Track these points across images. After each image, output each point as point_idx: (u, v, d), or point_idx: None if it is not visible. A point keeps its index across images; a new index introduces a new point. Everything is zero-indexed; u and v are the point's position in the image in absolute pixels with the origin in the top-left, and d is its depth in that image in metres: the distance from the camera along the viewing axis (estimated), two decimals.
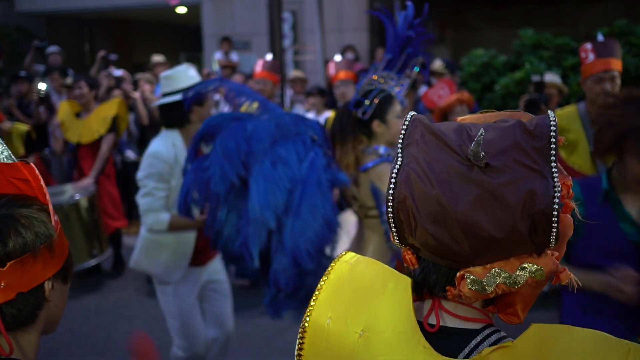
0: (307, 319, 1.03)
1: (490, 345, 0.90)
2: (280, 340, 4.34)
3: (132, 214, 6.51)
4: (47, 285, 1.09)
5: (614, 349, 0.83)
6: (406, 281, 0.98)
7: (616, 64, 3.33)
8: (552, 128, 0.87)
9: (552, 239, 0.84)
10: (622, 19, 6.30)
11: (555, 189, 0.84)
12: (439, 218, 0.87)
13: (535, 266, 0.85)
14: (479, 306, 0.94)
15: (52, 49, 8.21)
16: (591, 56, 3.36)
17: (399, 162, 0.94)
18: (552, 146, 0.86)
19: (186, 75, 3.17)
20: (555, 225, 0.83)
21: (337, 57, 5.10)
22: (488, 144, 0.88)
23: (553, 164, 0.86)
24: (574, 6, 8.76)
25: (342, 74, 4.56)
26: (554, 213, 0.83)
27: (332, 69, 4.72)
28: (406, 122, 0.98)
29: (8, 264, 1.01)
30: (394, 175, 0.93)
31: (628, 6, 8.61)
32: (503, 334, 0.94)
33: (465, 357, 0.91)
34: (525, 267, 0.86)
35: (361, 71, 7.38)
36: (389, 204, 0.93)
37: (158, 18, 15.49)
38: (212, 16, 11.72)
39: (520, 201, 0.83)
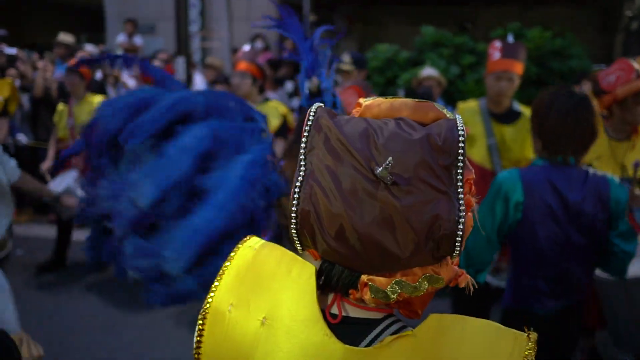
0: (208, 305, 1.00)
1: (392, 334, 0.91)
2: (179, 331, 4.30)
3: (22, 202, 6.19)
4: None
5: (502, 336, 0.88)
6: (310, 269, 0.95)
7: (517, 67, 3.55)
8: (460, 145, 0.85)
9: (456, 254, 0.86)
10: (516, 22, 6.69)
11: (461, 211, 0.84)
12: (343, 235, 0.86)
13: (436, 276, 0.88)
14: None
15: None
16: (497, 54, 3.56)
17: (302, 172, 0.90)
18: (459, 164, 0.85)
19: None
20: (459, 244, 0.84)
21: (246, 47, 5.04)
22: (395, 159, 0.85)
23: (459, 183, 0.85)
24: (473, 8, 9.18)
25: (243, 65, 4.51)
26: (457, 236, 0.84)
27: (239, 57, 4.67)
28: (308, 123, 0.92)
29: None
30: (297, 189, 0.89)
31: (522, 11, 9.15)
32: (403, 323, 0.96)
33: (366, 346, 0.92)
34: (426, 277, 0.87)
35: (271, 60, 7.39)
36: (292, 219, 0.90)
37: None
38: None
39: (425, 226, 0.83)
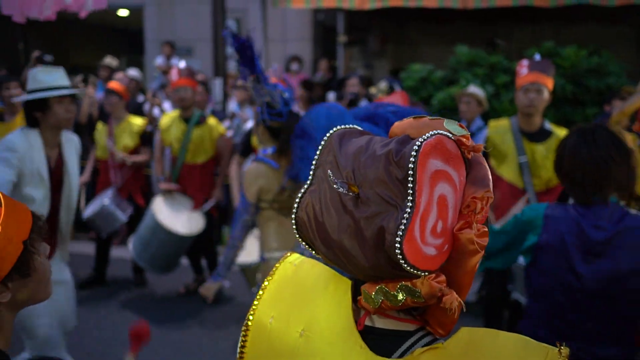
0: (250, 317, 1.05)
1: (423, 347, 0.93)
2: (214, 347, 4.35)
3: None
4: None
5: (534, 351, 0.88)
6: (347, 283, 1.01)
7: (545, 79, 3.58)
8: (411, 159, 0.85)
9: (409, 269, 0.85)
10: (550, 41, 6.65)
11: (402, 224, 0.84)
12: (326, 243, 0.94)
13: (412, 288, 0.88)
14: (407, 312, 0.97)
15: None
16: (524, 70, 3.64)
17: (306, 185, 1.00)
18: (409, 178, 0.85)
19: (49, 75, 3.14)
20: (401, 258, 0.84)
21: (273, 67, 5.28)
22: (363, 174, 0.90)
23: (410, 197, 0.85)
24: (508, 27, 9.15)
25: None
26: (396, 249, 0.84)
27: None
28: (323, 142, 1.00)
29: None
30: (298, 199, 1.00)
31: (556, 30, 9.08)
32: (435, 337, 0.97)
33: (398, 357, 0.93)
34: (403, 288, 0.89)
35: (304, 81, 7.49)
36: (294, 225, 1.00)
37: (98, 20, 15.11)
38: (155, 20, 11.55)
39: (373, 237, 0.87)
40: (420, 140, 0.87)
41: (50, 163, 3.20)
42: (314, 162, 1.00)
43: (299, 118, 3.02)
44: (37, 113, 3.11)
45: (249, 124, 6.24)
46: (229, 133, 6.42)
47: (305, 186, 1.00)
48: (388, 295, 0.90)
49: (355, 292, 1.00)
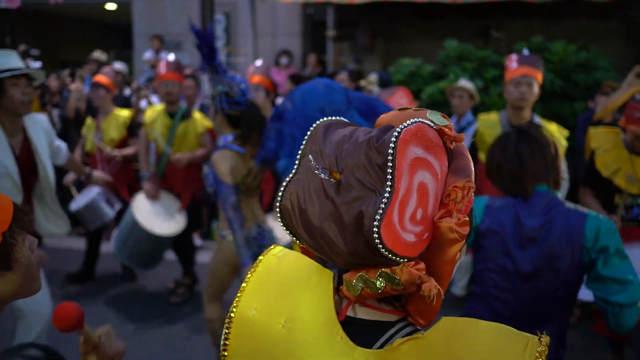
0: (234, 309, 1.06)
1: (404, 337, 0.94)
2: (204, 342, 4.35)
3: None
4: None
5: (514, 340, 0.89)
6: (329, 275, 1.02)
7: (535, 73, 3.62)
8: (391, 145, 0.86)
9: (387, 255, 0.85)
10: (539, 36, 6.68)
11: (380, 208, 0.84)
12: (309, 230, 0.94)
13: (391, 275, 0.89)
14: (388, 302, 0.98)
15: None
16: (514, 64, 3.67)
17: (291, 174, 1.00)
18: (389, 164, 0.85)
19: (1, 58, 3.04)
20: (379, 243, 0.84)
21: (258, 62, 5.14)
22: (344, 160, 0.91)
23: (389, 182, 0.85)
24: (498, 21, 9.16)
25: (257, 78, 4.64)
26: (374, 232, 0.84)
27: (250, 72, 4.74)
28: (310, 131, 1.01)
29: None
30: (282, 187, 1.00)
31: (545, 24, 9.11)
32: (416, 327, 0.98)
33: (378, 348, 0.94)
34: (382, 275, 0.89)
35: (293, 76, 7.48)
36: (278, 213, 1.00)
37: (86, 14, 15.01)
38: (143, 14, 11.48)
39: (352, 222, 0.87)
40: (400, 127, 0.87)
41: (15, 151, 3.14)
42: (299, 152, 1.00)
43: (257, 107, 3.31)
44: None
45: None
46: None
47: (290, 175, 1.00)
48: (368, 282, 0.91)
49: (338, 284, 1.01)
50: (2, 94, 3.01)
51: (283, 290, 1.05)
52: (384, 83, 5.09)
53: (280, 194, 1.00)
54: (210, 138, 5.25)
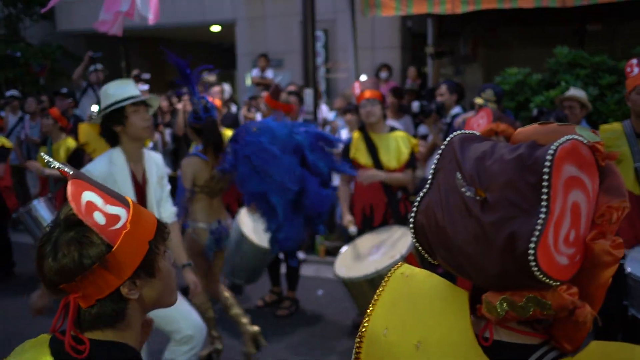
0: (364, 328, 1.04)
1: None
2: None
3: None
4: (124, 289, 1.17)
5: None
6: (463, 294, 0.99)
7: None
8: (546, 163, 0.83)
9: (542, 278, 0.82)
10: None
11: (537, 229, 0.82)
12: (447, 247, 0.92)
13: (541, 300, 0.85)
14: (537, 325, 0.93)
15: (95, 66, 8.42)
16: (636, 70, 3.43)
17: (425, 189, 0.99)
18: (544, 183, 0.83)
19: (119, 88, 3.16)
20: (534, 265, 0.81)
21: (363, 77, 5.09)
22: (490, 178, 0.88)
23: (544, 202, 0.82)
24: (610, 25, 8.67)
25: (369, 93, 4.52)
26: (529, 255, 0.81)
27: (357, 88, 4.63)
28: (442, 146, 1.00)
29: (76, 279, 1.13)
30: (416, 203, 0.99)
31: None
32: (562, 352, 0.93)
33: None
34: (531, 300, 0.85)
35: (394, 89, 7.44)
36: (411, 229, 1.00)
37: (192, 37, 15.79)
38: (246, 35, 11.90)
39: (502, 243, 0.84)
40: (555, 144, 0.84)
41: (136, 177, 3.28)
42: (432, 167, 0.99)
43: (215, 124, 3.96)
44: (117, 127, 3.17)
45: (342, 134, 6.25)
46: None
47: (424, 190, 0.99)
48: (514, 306, 0.87)
49: (473, 303, 0.97)
50: (125, 120, 3.16)
51: (415, 309, 1.02)
52: (499, 98, 4.87)
53: (414, 209, 0.99)
54: None
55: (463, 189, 0.90)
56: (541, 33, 9.18)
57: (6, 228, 6.56)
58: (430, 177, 0.99)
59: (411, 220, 0.99)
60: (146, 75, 8.69)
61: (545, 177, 0.82)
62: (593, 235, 0.85)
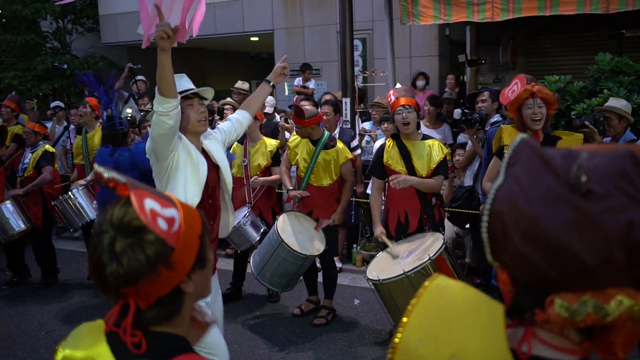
0: (397, 340, 1.02)
1: None
2: None
3: None
4: (183, 285, 1.22)
5: None
6: (499, 307, 0.97)
7: None
8: None
9: None
10: None
11: None
12: (532, 237, 0.88)
13: (631, 301, 0.83)
14: (575, 340, 0.92)
15: (139, 77, 8.65)
16: None
17: (501, 179, 0.96)
18: None
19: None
20: None
21: (397, 85, 5.07)
22: (593, 169, 0.87)
23: None
24: None
25: (405, 100, 4.50)
26: None
27: (391, 96, 4.62)
28: (515, 143, 0.99)
29: (139, 282, 1.17)
30: (493, 192, 0.96)
31: None
32: None
33: None
34: (619, 300, 0.84)
35: (431, 97, 7.39)
36: (485, 218, 0.96)
37: (231, 47, 16.02)
38: (284, 44, 12.02)
39: (617, 230, 0.83)
40: None
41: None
42: (506, 161, 0.98)
43: (115, 131, 5.07)
44: None
45: (379, 142, 6.23)
46: (358, 151, 6.47)
47: (498, 182, 0.97)
48: (597, 307, 0.85)
49: (509, 316, 0.96)
50: (182, 115, 3.13)
51: (449, 321, 1.00)
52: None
53: (491, 198, 0.96)
54: (351, 168, 5.28)
55: (580, 177, 0.88)
56: (582, 40, 8.99)
57: (50, 235, 6.77)
58: (503, 169, 0.98)
59: (487, 207, 0.96)
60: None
61: None
62: None
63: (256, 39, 13.82)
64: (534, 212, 0.88)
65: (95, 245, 1.21)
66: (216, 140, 3.44)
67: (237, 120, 3.60)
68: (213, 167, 3.34)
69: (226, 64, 17.28)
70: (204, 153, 3.32)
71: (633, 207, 0.84)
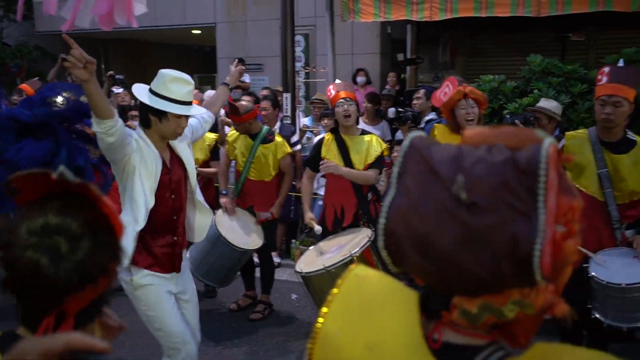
0: (317, 328, 1.04)
1: None
2: None
3: None
4: None
5: None
6: (414, 296, 0.99)
7: (625, 91, 3.38)
8: (541, 165, 0.85)
9: (538, 278, 0.84)
10: (632, 48, 6.34)
11: (539, 232, 0.83)
12: (427, 255, 0.90)
13: (524, 301, 0.86)
14: (484, 327, 0.95)
15: (118, 90, 8.26)
16: (604, 79, 3.46)
17: (392, 193, 0.97)
18: (539, 185, 0.85)
19: (179, 89, 3.20)
20: (537, 267, 0.83)
21: (337, 81, 5.10)
22: (477, 179, 0.88)
23: (540, 204, 0.84)
24: (585, 34, 8.79)
25: (345, 93, 4.54)
26: (534, 257, 0.83)
27: (331, 90, 4.64)
28: (404, 149, 0.98)
29: None
30: (386, 208, 0.96)
31: (638, 35, 8.66)
32: (507, 351, 0.94)
33: None
34: (514, 302, 0.87)
35: (370, 94, 7.48)
36: (381, 235, 0.97)
37: (172, 39, 15.71)
38: (227, 38, 11.88)
39: (503, 245, 0.85)
40: (545, 147, 0.87)
41: (167, 163, 3.26)
42: (396, 171, 0.97)
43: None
44: (152, 117, 3.16)
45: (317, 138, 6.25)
46: (298, 147, 6.47)
47: (390, 196, 0.97)
48: (494, 310, 0.89)
49: (423, 305, 0.98)
50: (164, 119, 3.16)
51: (368, 311, 1.02)
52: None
53: (384, 216, 0.97)
54: (290, 162, 5.28)
55: (458, 193, 0.88)
56: (519, 41, 9.27)
57: None
58: (394, 182, 0.97)
59: (381, 227, 0.97)
60: (120, 77, 8.60)
61: (543, 179, 0.85)
62: (562, 234, 0.87)
63: (198, 32, 13.61)
64: (427, 232, 0.90)
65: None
66: (185, 137, 3.42)
67: (203, 118, 3.65)
68: (179, 164, 3.34)
69: (167, 57, 16.94)
70: (171, 151, 3.32)
71: (517, 219, 0.85)
